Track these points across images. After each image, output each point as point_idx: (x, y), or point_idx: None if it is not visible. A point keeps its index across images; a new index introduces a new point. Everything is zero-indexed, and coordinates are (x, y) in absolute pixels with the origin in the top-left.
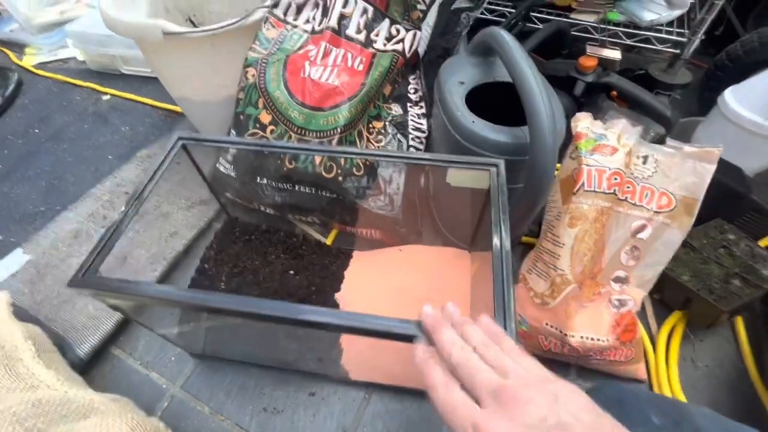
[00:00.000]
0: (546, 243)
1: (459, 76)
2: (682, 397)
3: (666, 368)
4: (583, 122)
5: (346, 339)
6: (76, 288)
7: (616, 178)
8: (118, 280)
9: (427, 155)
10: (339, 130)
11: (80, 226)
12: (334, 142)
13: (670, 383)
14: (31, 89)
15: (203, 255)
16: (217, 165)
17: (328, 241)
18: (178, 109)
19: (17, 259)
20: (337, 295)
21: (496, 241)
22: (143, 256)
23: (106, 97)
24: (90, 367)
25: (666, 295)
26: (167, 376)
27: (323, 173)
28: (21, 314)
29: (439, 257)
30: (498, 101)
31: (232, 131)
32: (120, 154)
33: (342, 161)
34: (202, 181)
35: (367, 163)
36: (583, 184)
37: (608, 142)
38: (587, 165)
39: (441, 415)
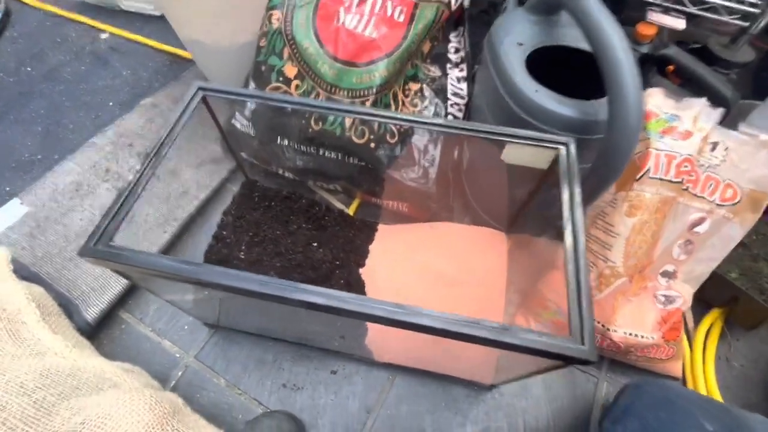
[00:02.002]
0: (595, 230)
1: (516, 36)
2: (718, 397)
3: (702, 366)
4: (655, 99)
5: None
6: (89, 258)
7: (686, 166)
8: (137, 252)
9: (484, 127)
10: (374, 90)
11: (81, 177)
12: (368, 104)
13: (706, 382)
14: (20, 21)
15: (221, 221)
16: (233, 121)
17: (351, 211)
18: (185, 53)
19: (14, 210)
20: (362, 271)
21: (568, 237)
22: (151, 216)
23: (104, 36)
24: (98, 331)
25: (707, 292)
26: (180, 345)
27: (354, 138)
28: (22, 271)
29: (473, 237)
30: (559, 68)
31: (251, 83)
32: (121, 101)
33: (375, 126)
34: (214, 138)
35: (402, 129)
36: (648, 170)
37: (681, 125)
38: (656, 149)
39: None
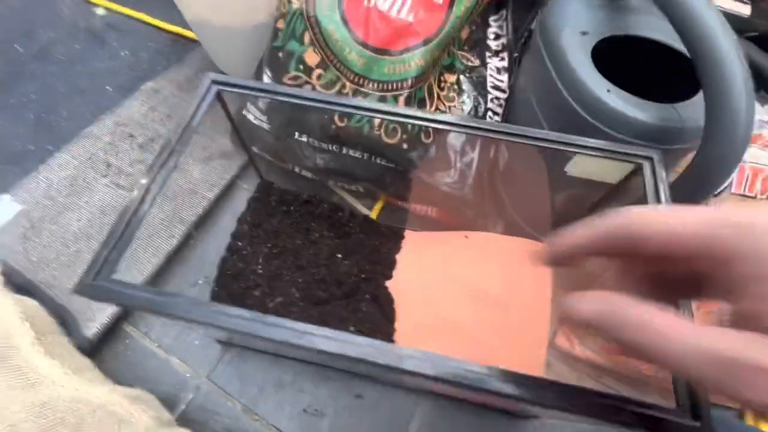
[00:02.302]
0: None
1: (578, 24)
2: None
3: None
4: None
5: (400, 337)
6: (86, 296)
7: None
8: (145, 289)
9: (548, 135)
10: (409, 82)
11: (77, 172)
12: (402, 99)
13: None
14: None
15: (235, 230)
16: (244, 112)
17: (374, 215)
18: (189, 33)
19: (6, 208)
20: (389, 284)
21: None
22: (156, 217)
23: (100, 12)
24: (99, 345)
25: None
26: (190, 363)
27: (384, 137)
28: (16, 278)
29: (513, 250)
30: (625, 63)
31: (266, 71)
32: (120, 84)
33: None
34: (224, 129)
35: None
36: (728, 186)
37: None
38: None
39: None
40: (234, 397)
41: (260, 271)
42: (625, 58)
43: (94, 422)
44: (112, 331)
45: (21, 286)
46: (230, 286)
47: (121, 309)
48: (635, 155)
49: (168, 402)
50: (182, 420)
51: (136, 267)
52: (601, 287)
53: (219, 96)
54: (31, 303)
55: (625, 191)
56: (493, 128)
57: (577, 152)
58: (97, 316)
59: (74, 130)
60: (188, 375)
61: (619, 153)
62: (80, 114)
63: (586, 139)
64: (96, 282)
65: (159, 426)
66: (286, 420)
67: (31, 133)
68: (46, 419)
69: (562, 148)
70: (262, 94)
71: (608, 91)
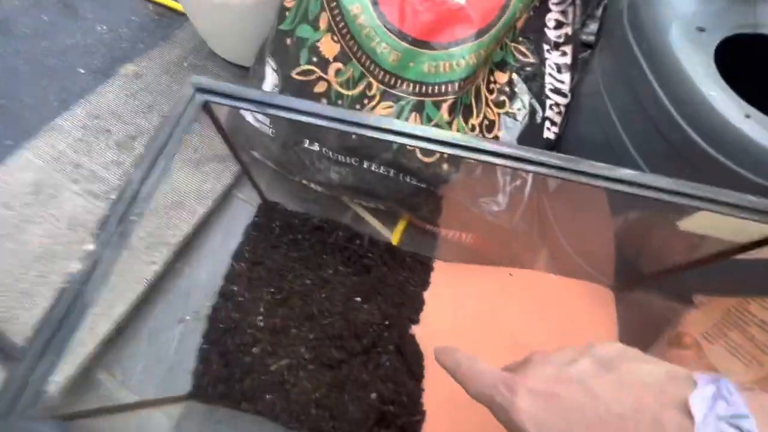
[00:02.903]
0: (765, 313)
1: (690, 15)
2: None
3: None
4: None
5: (428, 400)
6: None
7: None
8: None
9: (663, 182)
10: (456, 86)
11: (43, 175)
12: (446, 106)
13: None
14: None
15: (230, 270)
16: (241, 112)
17: (394, 240)
18: (178, 5)
19: None
20: (416, 330)
21: None
22: (137, 235)
23: None
24: (66, 396)
25: None
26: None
27: (419, 154)
28: None
29: (569, 293)
30: (760, 74)
31: (269, 62)
32: (95, 66)
33: None
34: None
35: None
36: None
37: None
38: None
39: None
40: None
41: (261, 324)
42: (757, 67)
43: None
44: (82, 377)
45: None
46: (223, 342)
47: (92, 352)
48: None
49: None
50: None
51: (105, 302)
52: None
53: (207, 107)
54: None
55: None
56: (566, 165)
57: (705, 208)
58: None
59: (39, 122)
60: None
61: (765, 212)
62: (46, 101)
63: (721, 190)
64: (10, 420)
65: None
66: None
67: None
68: None
69: (684, 202)
70: (261, 109)
71: (747, 116)
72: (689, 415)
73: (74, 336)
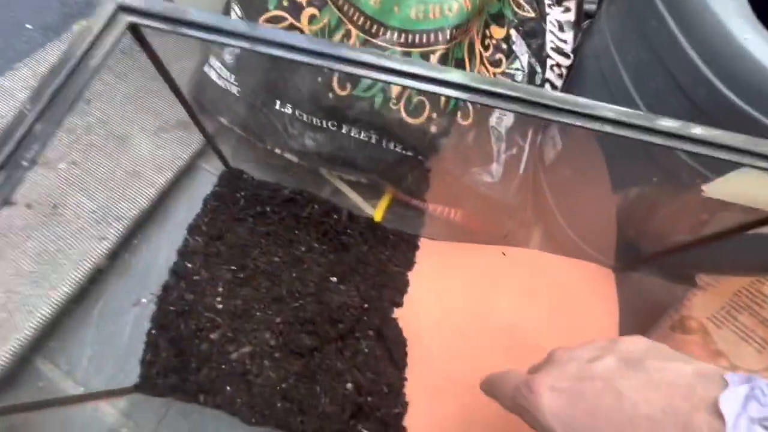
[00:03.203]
0: None
1: None
2: None
3: None
4: None
5: (411, 391)
6: None
7: None
8: None
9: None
10: (447, 33)
11: None
12: (434, 58)
13: None
14: None
15: (184, 245)
16: (206, 69)
17: (377, 216)
18: None
19: None
20: (399, 314)
21: None
22: (85, 208)
23: None
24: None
25: None
26: (129, 412)
27: (404, 115)
28: None
29: (567, 273)
30: None
31: (234, 7)
32: (45, 23)
33: (442, 99)
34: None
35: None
36: None
37: None
38: None
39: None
40: None
41: (219, 306)
42: None
43: None
44: (22, 367)
45: None
46: (175, 327)
47: (30, 338)
48: None
49: None
50: None
51: (47, 282)
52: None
53: (136, 32)
54: None
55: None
56: (589, 111)
57: (752, 165)
58: None
59: None
60: (125, 431)
61: None
62: None
63: (755, 139)
64: None
65: None
66: None
67: None
68: None
69: (729, 157)
70: (199, 33)
71: None
72: (720, 417)
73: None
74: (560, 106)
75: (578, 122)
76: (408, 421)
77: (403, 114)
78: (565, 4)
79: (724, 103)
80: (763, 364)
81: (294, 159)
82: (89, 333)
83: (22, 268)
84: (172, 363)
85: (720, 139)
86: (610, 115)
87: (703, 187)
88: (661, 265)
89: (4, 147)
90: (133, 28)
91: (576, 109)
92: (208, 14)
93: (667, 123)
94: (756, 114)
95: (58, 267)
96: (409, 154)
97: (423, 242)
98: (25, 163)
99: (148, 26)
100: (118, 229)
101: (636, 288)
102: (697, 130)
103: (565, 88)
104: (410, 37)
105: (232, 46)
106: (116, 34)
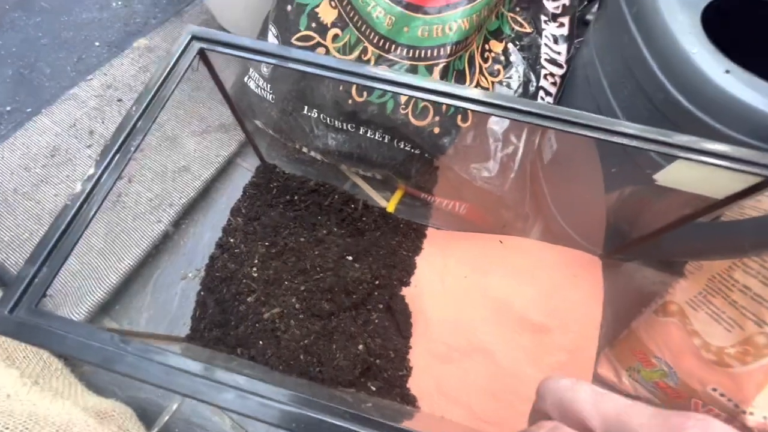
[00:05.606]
0: (748, 279)
1: None
2: None
3: None
4: None
5: (414, 357)
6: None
7: None
8: (82, 330)
9: (644, 131)
10: (448, 49)
11: (59, 140)
12: (437, 70)
13: None
14: None
15: (227, 223)
16: (246, 79)
17: (390, 207)
18: None
19: None
20: (406, 292)
21: None
22: (143, 196)
23: None
24: None
25: None
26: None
27: (411, 118)
28: None
29: (559, 262)
30: (749, 35)
31: (271, 29)
32: (110, 40)
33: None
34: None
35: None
36: None
37: None
38: None
39: None
40: (224, 411)
41: (255, 274)
42: (746, 28)
43: None
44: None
45: None
46: (219, 291)
47: (100, 301)
48: (764, 165)
49: (149, 413)
50: None
51: (114, 256)
52: None
53: (203, 56)
54: None
55: (725, 207)
56: (559, 116)
57: (681, 156)
58: (72, 310)
59: (57, 91)
60: None
61: (743, 161)
62: (64, 72)
63: (698, 139)
64: (14, 315)
65: None
66: None
67: (9, 92)
68: None
69: (660, 150)
70: (252, 56)
71: (727, 72)
72: None
73: (73, 248)
74: (553, 115)
75: (568, 129)
76: (411, 382)
77: (411, 117)
78: (560, 20)
79: (678, 106)
80: (731, 341)
81: (318, 156)
82: (146, 300)
83: (93, 245)
84: (217, 319)
85: (669, 138)
86: (592, 122)
87: (655, 176)
88: (643, 253)
89: (119, 137)
90: (202, 53)
91: (567, 118)
92: (257, 41)
93: (626, 128)
94: (700, 114)
95: (122, 244)
96: (417, 152)
97: (430, 231)
98: (132, 149)
99: (213, 50)
100: (171, 214)
101: (620, 275)
102: (626, 128)
103: (559, 95)
104: (417, 52)
105: (275, 65)
106: (190, 57)
